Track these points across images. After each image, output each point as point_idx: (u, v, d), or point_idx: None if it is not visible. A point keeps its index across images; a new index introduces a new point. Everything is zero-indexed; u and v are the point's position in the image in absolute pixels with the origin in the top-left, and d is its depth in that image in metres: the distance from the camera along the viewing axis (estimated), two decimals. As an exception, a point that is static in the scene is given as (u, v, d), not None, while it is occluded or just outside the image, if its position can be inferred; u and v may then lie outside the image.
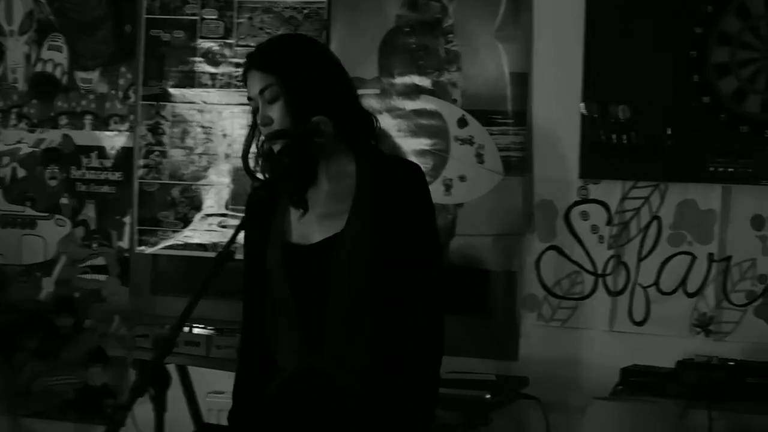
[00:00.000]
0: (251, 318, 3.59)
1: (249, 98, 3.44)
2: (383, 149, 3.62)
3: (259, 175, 3.48)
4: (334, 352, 3.40)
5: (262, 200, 3.58)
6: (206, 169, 5.30)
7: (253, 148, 3.51)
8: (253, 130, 3.49)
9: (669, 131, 4.61)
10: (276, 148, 3.41)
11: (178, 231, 5.31)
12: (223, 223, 5.27)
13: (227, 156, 5.27)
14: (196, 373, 4.71)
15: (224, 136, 5.28)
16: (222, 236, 5.22)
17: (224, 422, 4.73)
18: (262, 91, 3.38)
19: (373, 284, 3.39)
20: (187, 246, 5.31)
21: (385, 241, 3.39)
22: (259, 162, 3.48)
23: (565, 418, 4.45)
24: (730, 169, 4.54)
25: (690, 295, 4.60)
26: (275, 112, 3.37)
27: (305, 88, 3.40)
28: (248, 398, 3.60)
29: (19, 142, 5.55)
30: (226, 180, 5.28)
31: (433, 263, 3.50)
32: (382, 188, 3.43)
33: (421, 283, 3.42)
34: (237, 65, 5.22)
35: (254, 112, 3.44)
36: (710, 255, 4.58)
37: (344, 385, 3.40)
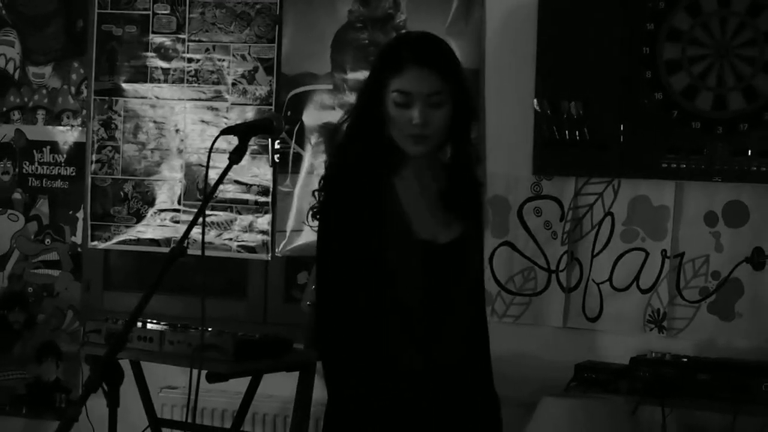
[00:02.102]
0: (356, 310, 3.44)
1: (405, 93, 3.30)
2: None
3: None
4: (445, 349, 3.40)
5: (349, 182, 3.47)
6: (159, 164, 5.28)
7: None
8: (371, 110, 3.38)
9: (621, 127, 4.58)
10: (418, 150, 3.33)
11: (130, 226, 5.28)
12: (175, 219, 5.27)
13: (180, 151, 5.26)
14: (149, 368, 4.65)
15: (177, 131, 5.27)
16: (175, 231, 5.23)
17: (177, 417, 4.78)
18: (432, 95, 3.29)
19: (474, 289, 3.46)
20: (139, 241, 5.29)
21: (478, 254, 3.49)
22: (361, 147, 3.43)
23: (516, 414, 4.24)
24: (682, 165, 4.51)
25: (643, 292, 4.57)
26: (437, 118, 3.30)
27: (466, 104, 3.41)
28: (370, 392, 3.47)
29: None
30: (179, 175, 5.26)
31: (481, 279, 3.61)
32: (468, 202, 3.46)
33: (479, 295, 3.52)
34: (189, 60, 5.25)
35: (402, 106, 3.31)
36: (663, 251, 4.54)
37: (446, 378, 3.39)
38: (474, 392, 3.49)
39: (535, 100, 4.65)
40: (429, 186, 3.45)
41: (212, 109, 5.23)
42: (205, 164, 4.86)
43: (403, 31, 4.87)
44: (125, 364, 4.17)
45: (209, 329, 4.52)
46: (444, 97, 3.31)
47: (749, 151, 4.42)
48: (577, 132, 4.60)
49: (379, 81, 3.38)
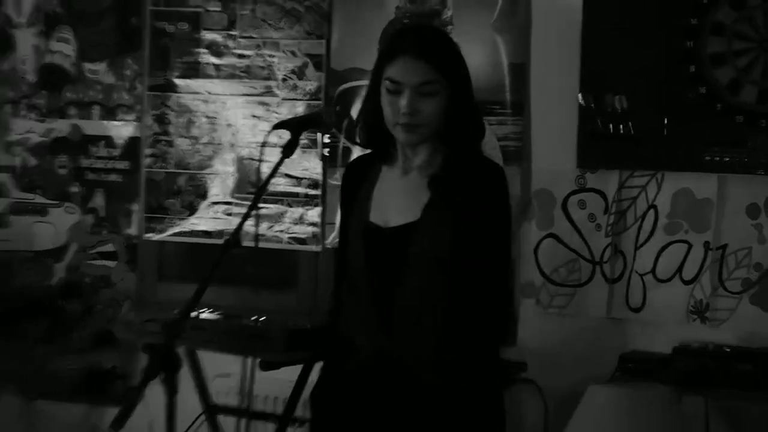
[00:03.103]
0: (339, 283, 3.63)
1: (396, 82, 3.33)
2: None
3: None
4: (403, 336, 3.38)
5: (356, 170, 3.62)
6: (211, 158, 5.28)
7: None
8: (373, 101, 3.43)
9: (665, 121, 4.56)
10: (408, 138, 3.37)
11: (184, 218, 5.29)
12: (228, 211, 5.25)
13: (232, 145, 5.25)
14: (204, 356, 4.67)
15: (228, 125, 5.26)
16: (227, 224, 5.23)
17: (231, 403, 4.82)
18: (423, 84, 3.31)
19: (443, 275, 3.36)
20: (193, 233, 5.28)
21: (459, 237, 3.36)
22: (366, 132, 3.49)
23: (562, 402, 4.40)
24: (725, 159, 4.48)
25: (686, 283, 4.54)
26: (429, 106, 3.33)
27: (460, 94, 3.39)
28: (332, 374, 3.61)
29: (29, 131, 5.53)
30: (231, 169, 5.25)
31: (503, 264, 3.49)
32: (464, 186, 3.40)
33: (488, 282, 3.39)
34: (240, 56, 5.25)
35: (393, 93, 3.35)
36: (706, 243, 4.52)
37: (414, 368, 3.38)
38: (445, 377, 3.41)
39: (580, 95, 4.64)
40: (414, 173, 3.45)
41: (263, 104, 5.21)
42: (256, 158, 5.02)
43: (450, 28, 4.84)
44: (181, 352, 4.16)
45: (262, 319, 4.53)
46: (436, 87, 3.31)
47: None
48: (621, 126, 4.59)
49: (378, 70, 3.40)
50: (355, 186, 3.61)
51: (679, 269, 4.55)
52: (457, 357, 3.37)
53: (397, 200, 3.47)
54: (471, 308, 3.37)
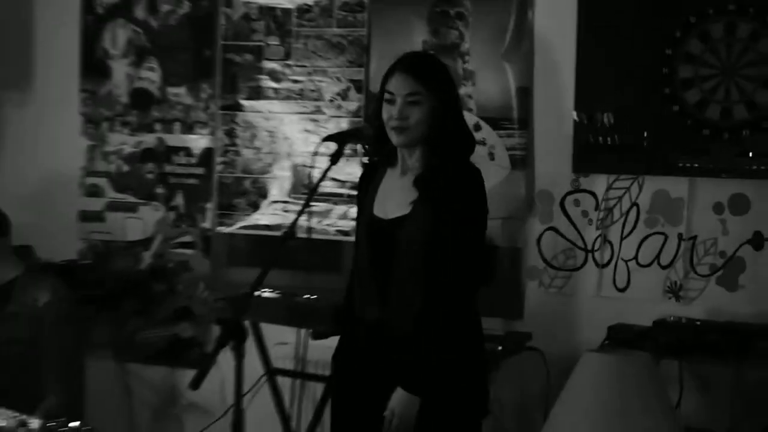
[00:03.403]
0: (352, 273, 3.73)
1: (390, 92, 3.47)
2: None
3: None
4: (394, 308, 3.48)
5: (365, 178, 3.71)
6: (271, 165, 5.25)
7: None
8: (377, 114, 3.54)
9: (645, 134, 4.55)
10: (398, 140, 3.48)
11: (249, 214, 5.28)
12: (285, 209, 5.23)
13: (288, 154, 5.23)
14: (265, 328, 4.70)
15: (285, 138, 5.23)
16: (284, 219, 5.19)
17: (287, 367, 4.81)
18: (409, 94, 3.44)
19: (425, 257, 3.43)
20: (256, 226, 5.27)
21: (438, 226, 3.43)
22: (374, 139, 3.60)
23: (562, 366, 4.37)
24: (695, 165, 4.48)
25: (663, 267, 4.54)
26: (415, 114, 3.44)
27: (443, 103, 3.49)
28: (345, 329, 3.73)
29: (122, 144, 5.54)
30: (287, 174, 5.23)
31: (470, 254, 3.50)
32: (445, 185, 3.46)
33: (456, 266, 3.44)
34: (295, 81, 5.20)
35: (389, 102, 3.48)
36: (680, 235, 4.52)
37: (399, 334, 3.46)
38: (427, 343, 3.44)
39: (575, 112, 4.63)
40: (409, 174, 3.53)
41: (313, 120, 5.17)
42: (308, 165, 4.80)
43: (467, 58, 4.83)
44: (247, 324, 4.16)
45: (313, 297, 4.58)
46: (421, 98, 3.43)
47: (750, 153, 4.39)
48: (608, 138, 4.59)
49: (381, 85, 3.54)
50: (366, 186, 3.69)
51: (657, 256, 4.54)
52: (435, 320, 3.42)
53: (395, 196, 3.55)
54: (446, 281, 3.43)
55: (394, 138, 3.50)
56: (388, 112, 3.48)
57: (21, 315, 4.24)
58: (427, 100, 3.45)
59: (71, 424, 3.63)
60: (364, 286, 3.61)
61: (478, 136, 4.74)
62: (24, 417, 3.80)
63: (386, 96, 3.49)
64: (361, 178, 3.77)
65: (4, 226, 4.48)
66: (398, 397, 3.41)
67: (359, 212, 3.74)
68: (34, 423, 3.71)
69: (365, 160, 3.91)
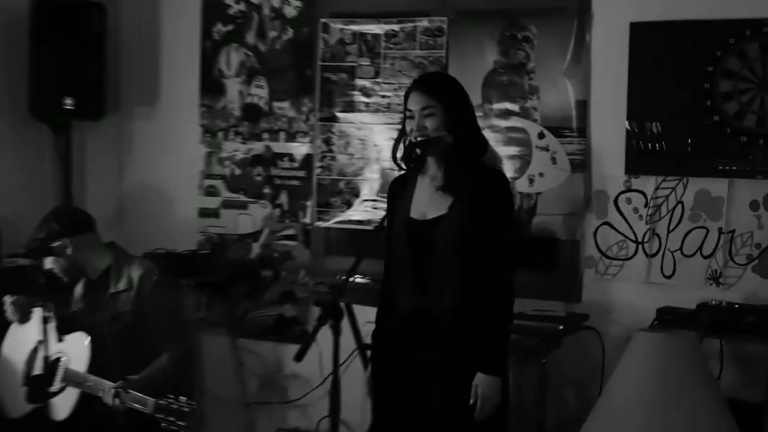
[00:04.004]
0: (387, 262, 3.72)
1: (410, 110, 3.54)
2: (487, 161, 3.72)
3: (402, 165, 3.63)
4: (436, 296, 3.51)
5: (397, 186, 3.75)
6: (362, 168, 5.29)
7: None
8: (403, 133, 3.63)
9: (689, 140, 4.54)
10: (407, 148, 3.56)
11: (343, 211, 5.32)
12: (374, 206, 5.25)
13: (377, 159, 5.24)
14: (358, 309, 4.69)
15: (374, 145, 5.26)
16: (373, 215, 5.24)
17: None
18: (423, 108, 3.50)
19: (462, 252, 3.47)
20: (349, 221, 5.31)
21: (473, 224, 3.47)
22: (403, 155, 3.61)
23: (615, 344, 4.40)
24: (733, 168, 4.46)
25: (705, 257, 4.52)
26: (430, 123, 3.51)
27: (453, 112, 3.55)
28: (383, 317, 3.73)
29: (235, 150, 5.61)
30: (376, 176, 5.25)
31: (507, 248, 3.56)
32: (477, 188, 3.51)
33: (497, 260, 3.50)
34: (383, 96, 5.20)
35: (410, 118, 3.55)
36: (719, 229, 4.49)
37: (440, 318, 3.51)
38: (471, 352, 3.49)
39: (627, 122, 4.62)
40: (437, 177, 3.58)
41: (399, 130, 4.90)
42: (395, 168, 4.98)
43: (532, 75, 4.82)
44: (343, 306, 3.96)
45: None
46: (434, 110, 3.50)
47: None
48: (656, 144, 4.58)
49: (404, 105, 3.60)
50: (397, 194, 3.71)
51: (700, 248, 4.52)
52: (470, 309, 3.48)
53: (430, 199, 3.58)
54: (476, 279, 3.48)
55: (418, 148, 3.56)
56: (410, 126, 3.55)
57: (121, 292, 4.26)
58: (440, 111, 3.50)
59: (180, 398, 3.78)
60: (403, 279, 3.62)
61: (542, 143, 4.79)
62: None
63: (407, 114, 3.55)
64: (392, 185, 3.81)
65: (91, 223, 4.49)
66: (483, 382, 3.46)
67: (392, 215, 3.72)
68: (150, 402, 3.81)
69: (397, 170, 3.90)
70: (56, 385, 3.99)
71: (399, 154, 3.69)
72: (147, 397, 3.80)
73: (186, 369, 4.47)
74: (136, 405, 3.82)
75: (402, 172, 3.75)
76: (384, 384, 3.71)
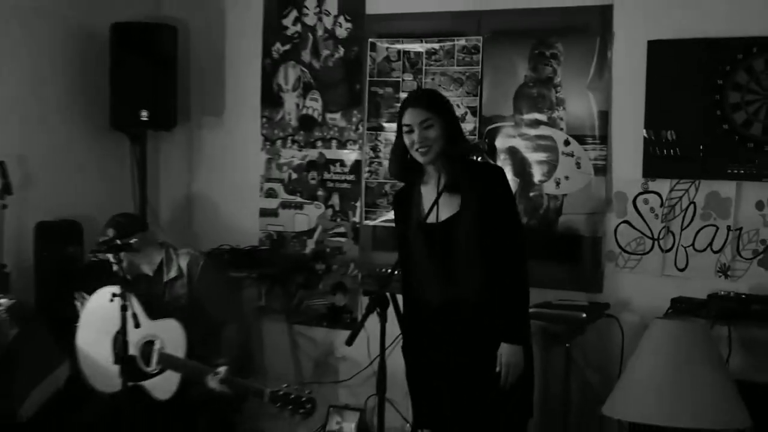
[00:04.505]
0: (404, 266, 3.67)
1: (407, 125, 3.51)
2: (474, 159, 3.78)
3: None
4: (462, 285, 3.52)
5: (402, 195, 3.73)
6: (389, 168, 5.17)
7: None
8: (399, 146, 3.59)
9: (701, 147, 4.52)
10: (425, 159, 3.51)
11: (388, 211, 5.25)
12: None
13: None
14: (401, 298, 4.50)
15: None
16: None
17: None
18: (422, 122, 3.48)
19: (480, 241, 3.47)
20: (394, 220, 5.04)
21: (483, 215, 3.47)
22: (399, 166, 3.62)
23: (634, 330, 4.42)
24: (741, 171, 4.44)
25: (715, 252, 4.50)
26: (430, 134, 3.49)
27: (448, 121, 3.54)
28: (411, 312, 3.68)
29: (292, 157, 5.62)
30: None
31: (517, 230, 3.59)
32: (478, 182, 3.51)
33: (510, 243, 3.51)
34: None
35: (408, 132, 3.52)
36: (728, 227, 4.47)
37: (468, 304, 3.52)
38: (494, 326, 3.50)
39: (644, 130, 4.61)
40: (441, 181, 3.54)
41: None
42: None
43: (559, 88, 4.80)
44: (388, 295, 3.94)
45: None
46: (432, 121, 3.48)
47: None
48: (671, 150, 4.56)
49: (398, 122, 3.59)
50: (404, 204, 3.70)
51: (710, 243, 4.50)
52: (490, 293, 3.49)
53: (441, 203, 3.54)
54: (496, 262, 3.48)
55: (421, 158, 3.54)
56: (410, 140, 3.51)
57: (174, 280, 4.27)
58: (438, 122, 3.49)
59: (292, 387, 3.75)
60: (427, 277, 3.59)
61: (567, 149, 4.78)
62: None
63: (405, 129, 3.52)
64: (396, 197, 3.79)
65: (144, 225, 4.53)
66: (506, 351, 3.49)
67: (403, 223, 3.71)
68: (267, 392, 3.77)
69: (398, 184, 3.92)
70: (153, 367, 3.99)
71: (396, 169, 3.70)
72: (262, 387, 3.80)
73: (249, 338, 4.48)
74: (252, 394, 3.85)
75: (402, 185, 3.78)
76: (420, 367, 3.71)
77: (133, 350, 3.99)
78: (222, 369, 3.82)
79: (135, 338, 3.99)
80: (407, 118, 3.53)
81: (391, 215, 5.13)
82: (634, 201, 4.68)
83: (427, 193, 3.64)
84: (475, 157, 3.98)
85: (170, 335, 3.99)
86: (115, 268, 4.14)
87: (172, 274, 4.23)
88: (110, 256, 4.18)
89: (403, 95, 5.20)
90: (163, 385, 3.95)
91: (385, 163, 5.29)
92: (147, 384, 3.97)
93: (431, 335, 3.63)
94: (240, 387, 3.96)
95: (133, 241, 4.14)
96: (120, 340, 3.82)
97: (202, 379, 3.86)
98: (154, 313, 4.07)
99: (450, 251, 3.51)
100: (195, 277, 4.22)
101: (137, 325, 3.89)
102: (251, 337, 5.17)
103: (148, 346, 4.02)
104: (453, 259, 3.52)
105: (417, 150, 3.52)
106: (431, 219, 3.54)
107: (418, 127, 3.49)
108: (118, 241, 4.17)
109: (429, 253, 3.55)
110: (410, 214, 3.64)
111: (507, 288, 3.50)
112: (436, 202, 3.54)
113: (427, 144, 3.49)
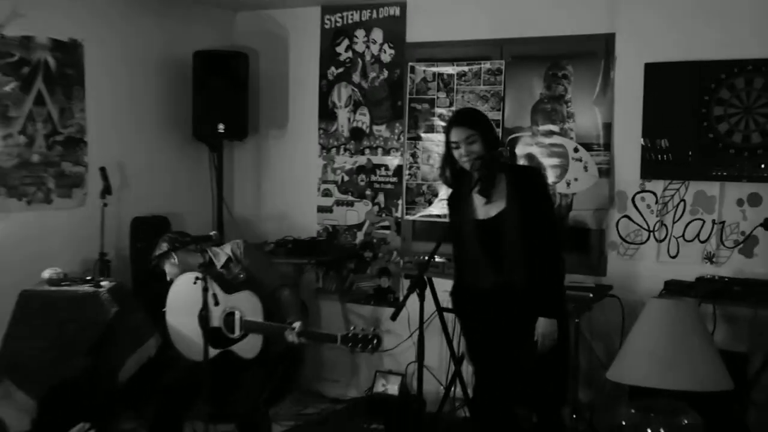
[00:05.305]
0: (456, 259, 3.60)
1: (455, 142, 3.44)
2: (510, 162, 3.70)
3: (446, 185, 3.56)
4: (509, 272, 3.44)
5: (455, 197, 3.63)
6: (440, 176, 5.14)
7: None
8: (449, 158, 3.49)
9: (690, 153, 4.51)
10: (473, 167, 3.42)
11: (425, 207, 5.33)
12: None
13: None
14: (437, 281, 4.66)
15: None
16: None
17: (450, 306, 4.50)
18: (467, 138, 3.41)
19: (524, 234, 3.39)
20: (430, 215, 5.31)
21: (526, 211, 3.40)
22: (450, 175, 3.53)
23: (633, 308, 4.37)
24: (724, 173, 4.44)
25: (702, 242, 4.50)
26: (474, 148, 3.42)
27: (488, 135, 3.47)
28: (460, 293, 3.61)
29: (344, 162, 5.64)
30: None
31: (553, 222, 3.53)
32: (521, 183, 3.45)
33: (548, 232, 3.43)
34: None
35: (456, 148, 3.44)
36: (713, 220, 4.48)
37: (514, 287, 3.43)
38: (533, 304, 3.39)
39: (642, 139, 4.60)
40: (486, 185, 3.45)
41: None
42: None
43: (569, 104, 4.76)
44: (426, 278, 3.83)
45: None
46: (474, 138, 3.40)
47: (762, 165, 4.34)
48: (665, 156, 4.55)
49: (446, 138, 3.50)
50: (456, 205, 3.59)
51: (698, 234, 4.49)
52: (534, 279, 3.40)
53: (485, 204, 3.46)
54: (538, 252, 3.39)
55: (468, 167, 3.45)
56: (458, 154, 3.43)
57: (227, 264, 4.05)
58: (479, 137, 3.40)
59: (358, 327, 3.59)
60: (478, 266, 3.49)
61: (576, 155, 4.76)
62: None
63: (453, 145, 3.44)
64: (450, 199, 3.67)
65: (190, 239, 4.15)
66: (542, 324, 3.40)
67: (458, 221, 3.58)
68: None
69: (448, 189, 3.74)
70: (237, 333, 3.89)
71: (447, 176, 3.59)
72: (333, 333, 3.72)
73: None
74: (326, 341, 3.77)
75: (451, 190, 3.70)
76: (475, 339, 3.65)
77: (217, 323, 3.92)
78: (297, 324, 3.75)
79: (217, 313, 3.90)
80: (454, 136, 3.45)
81: (427, 211, 5.29)
82: (633, 199, 4.67)
83: (477, 196, 3.55)
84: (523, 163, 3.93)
85: (247, 304, 3.90)
86: (200, 259, 4.02)
87: (222, 260, 4.08)
88: (169, 255, 4.08)
89: (438, 110, 5.23)
90: (249, 347, 3.88)
91: (423, 167, 5.32)
92: (235, 348, 3.90)
93: (483, 314, 3.53)
94: (315, 336, 3.90)
95: (175, 255, 4.05)
96: (204, 315, 3.76)
97: (282, 335, 3.78)
98: (229, 290, 3.96)
99: (498, 243, 3.42)
100: (241, 257, 4.07)
101: (216, 303, 3.84)
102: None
103: (229, 317, 3.95)
104: (501, 250, 3.43)
105: (464, 162, 3.46)
106: (481, 216, 3.47)
107: (463, 143, 3.41)
108: (169, 256, 4.05)
109: (480, 245, 3.46)
110: (463, 213, 3.54)
111: (544, 271, 3.41)
112: (488, 201, 3.48)
113: (472, 157, 3.42)
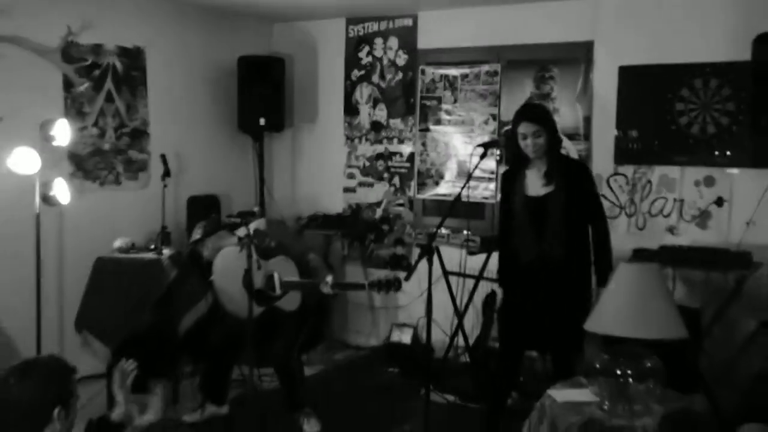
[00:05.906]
0: (505, 228, 3.54)
1: (522, 134, 3.37)
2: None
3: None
4: (549, 245, 3.39)
5: (509, 175, 3.57)
6: (445, 162, 5.31)
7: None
8: (513, 143, 3.41)
9: (656, 142, 4.53)
10: (534, 156, 3.35)
11: (434, 188, 5.37)
12: (454, 185, 5.24)
13: (455, 155, 5.25)
14: (443, 249, 4.62)
15: (453, 146, 5.27)
16: (453, 190, 5.22)
17: (455, 269, 4.67)
18: (534, 132, 3.35)
19: (566, 214, 3.36)
20: (437, 194, 5.35)
21: (571, 195, 3.37)
22: (511, 155, 3.46)
23: None
24: (684, 159, 4.45)
25: (665, 216, 4.53)
26: (540, 141, 3.38)
27: (552, 130, 3.43)
28: (507, 265, 3.54)
29: (366, 150, 5.68)
30: (455, 166, 5.26)
31: (603, 210, 3.51)
32: (569, 172, 3.42)
33: (604, 225, 3.43)
34: (459, 115, 5.17)
35: (523, 139, 3.37)
36: (675, 199, 4.49)
37: (556, 261, 3.39)
38: (572, 276, 3.35)
39: (615, 130, 4.63)
40: (541, 169, 3.45)
41: (469, 136, 5.16)
42: (466, 161, 4.97)
43: (555, 101, 4.80)
44: (435, 248, 3.86)
45: (468, 232, 4.46)
46: (541, 132, 3.36)
47: (716, 152, 4.37)
48: (635, 144, 4.58)
49: (514, 128, 3.46)
50: (510, 181, 3.54)
51: (661, 210, 4.52)
52: (571, 251, 3.36)
53: (539, 183, 3.44)
54: (583, 232, 3.36)
55: (532, 156, 3.43)
56: (524, 144, 3.38)
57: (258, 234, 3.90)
58: (544, 131, 3.36)
59: (381, 273, 3.59)
60: (524, 238, 3.42)
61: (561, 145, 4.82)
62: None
63: (520, 136, 3.39)
64: (505, 176, 3.60)
65: (220, 225, 4.15)
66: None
67: (510, 196, 3.49)
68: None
69: (505, 166, 3.68)
70: (278, 292, 3.89)
71: (511, 159, 3.51)
72: (361, 282, 3.72)
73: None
74: (355, 289, 3.77)
75: (507, 168, 3.65)
76: (514, 306, 3.57)
77: (259, 284, 3.88)
78: (329, 278, 3.74)
79: (259, 276, 3.86)
80: (522, 129, 3.37)
81: (435, 191, 5.33)
82: (608, 180, 4.68)
83: (531, 175, 3.49)
84: (565, 153, 3.76)
85: (283, 267, 3.89)
86: (233, 240, 3.91)
87: (265, 246, 3.96)
88: (203, 250, 4.02)
89: (445, 107, 5.24)
90: (290, 301, 3.91)
91: (432, 154, 5.36)
92: (279, 303, 3.90)
93: (528, 281, 3.44)
94: (346, 286, 3.90)
95: (209, 240, 4.01)
96: (248, 277, 3.57)
97: (317, 289, 3.75)
98: (266, 256, 3.92)
99: (542, 219, 3.36)
100: (266, 231, 3.98)
101: (259, 267, 3.79)
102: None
103: (270, 279, 3.91)
104: (543, 225, 3.37)
105: (530, 152, 3.40)
106: (531, 193, 3.42)
107: (531, 137, 3.35)
108: (204, 241, 4.02)
109: (527, 217, 3.40)
110: (515, 190, 3.47)
111: (606, 254, 3.37)
112: (545, 183, 3.41)
113: (537, 148, 3.37)
